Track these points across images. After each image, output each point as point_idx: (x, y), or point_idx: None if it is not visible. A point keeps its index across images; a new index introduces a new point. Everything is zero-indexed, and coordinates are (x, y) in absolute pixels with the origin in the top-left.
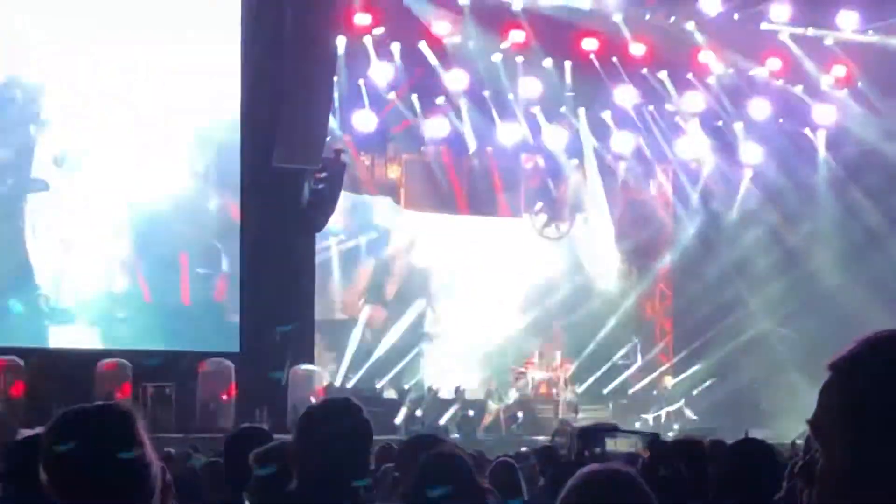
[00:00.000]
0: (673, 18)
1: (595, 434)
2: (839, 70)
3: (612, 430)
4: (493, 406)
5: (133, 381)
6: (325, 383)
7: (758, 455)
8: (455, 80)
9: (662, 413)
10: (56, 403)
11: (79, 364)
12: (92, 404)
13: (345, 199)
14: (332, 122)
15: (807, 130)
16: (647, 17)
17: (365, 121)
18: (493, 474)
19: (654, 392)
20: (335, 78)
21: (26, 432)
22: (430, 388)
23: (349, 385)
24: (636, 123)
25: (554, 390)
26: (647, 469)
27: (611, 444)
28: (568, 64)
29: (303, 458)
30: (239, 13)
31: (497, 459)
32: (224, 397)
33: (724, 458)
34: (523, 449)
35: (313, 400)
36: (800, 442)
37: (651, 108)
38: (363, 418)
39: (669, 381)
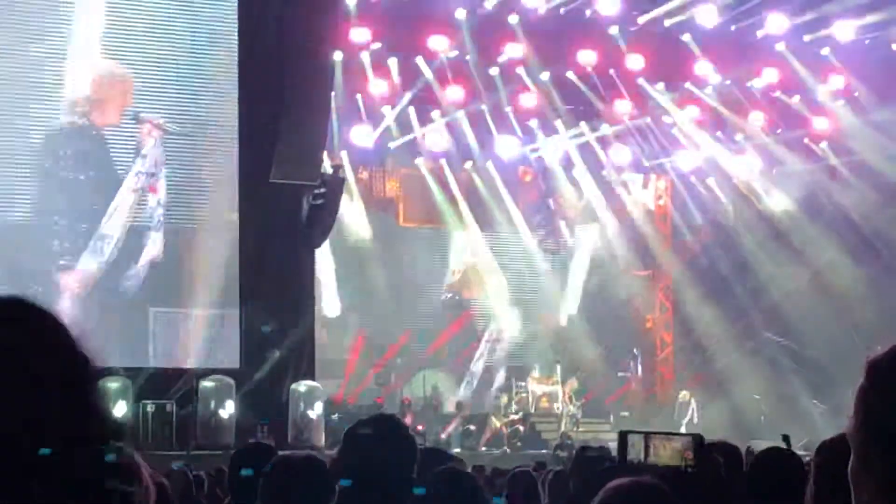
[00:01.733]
0: (670, 30)
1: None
2: (836, 80)
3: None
4: (494, 420)
5: (133, 398)
6: (325, 399)
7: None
8: (452, 94)
9: (683, 426)
10: None
11: None
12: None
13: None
14: (330, 138)
15: (805, 140)
16: (644, 29)
17: (363, 136)
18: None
19: (673, 407)
20: (333, 93)
21: None
22: (431, 403)
23: (350, 400)
24: (634, 135)
25: (555, 404)
26: (694, 473)
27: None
28: (565, 77)
29: (348, 473)
30: (236, 29)
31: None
32: (224, 414)
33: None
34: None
35: (312, 416)
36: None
37: (648, 120)
38: (407, 433)
39: (685, 395)
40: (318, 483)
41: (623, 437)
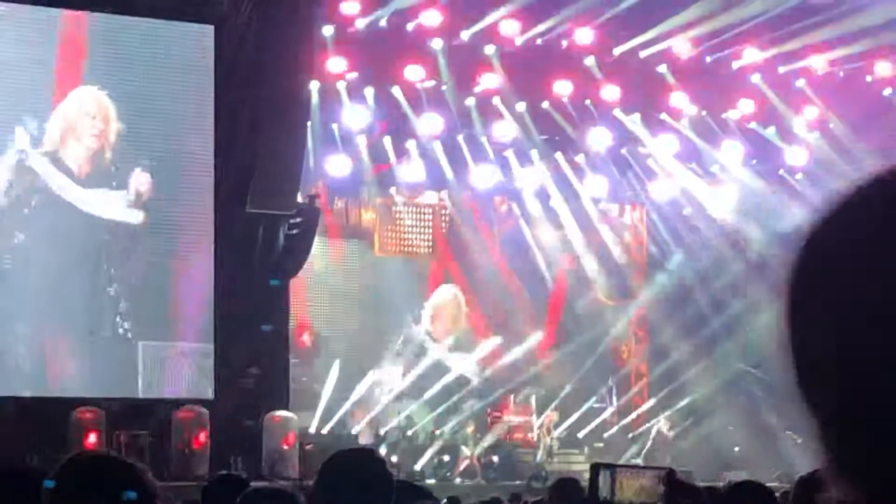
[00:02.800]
0: (645, 62)
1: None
2: (811, 111)
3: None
4: (468, 450)
5: (107, 429)
6: (299, 429)
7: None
8: (428, 123)
9: (668, 459)
10: (31, 451)
11: (53, 411)
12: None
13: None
14: (306, 168)
15: (781, 171)
16: (619, 60)
17: (339, 165)
18: None
19: (650, 441)
20: (309, 123)
21: None
22: (405, 433)
23: (324, 430)
24: (610, 166)
25: (530, 434)
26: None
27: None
28: (541, 107)
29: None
30: (212, 58)
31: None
32: (198, 445)
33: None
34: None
35: (286, 447)
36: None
37: (624, 150)
38: (385, 468)
39: (665, 427)
40: None
41: (595, 469)
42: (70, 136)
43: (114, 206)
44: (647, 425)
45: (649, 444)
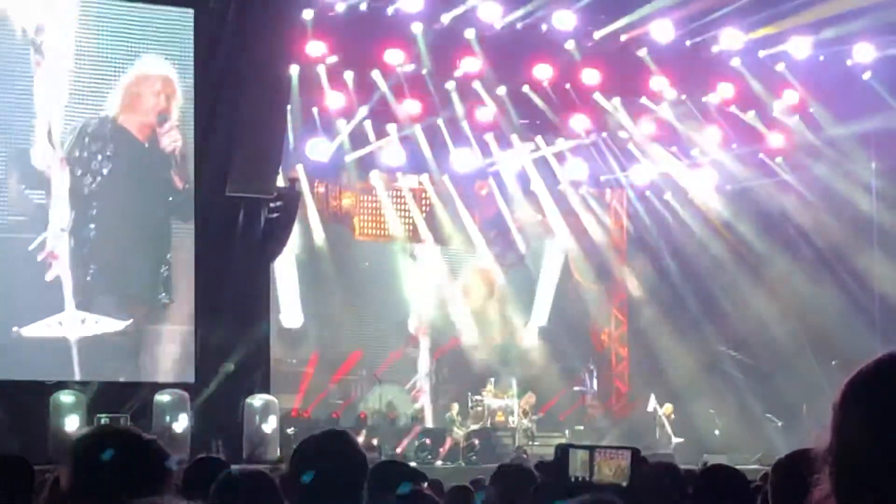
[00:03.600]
0: (626, 46)
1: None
2: (790, 95)
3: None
4: (450, 434)
5: (86, 412)
6: (280, 413)
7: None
8: (408, 107)
9: (674, 441)
10: (11, 435)
11: (33, 394)
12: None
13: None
14: (287, 151)
15: (761, 155)
16: (600, 44)
17: (319, 149)
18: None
19: (654, 421)
20: (289, 107)
21: None
22: (387, 416)
23: (306, 414)
24: (590, 150)
25: (511, 418)
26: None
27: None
28: (521, 91)
29: (297, 487)
30: (192, 42)
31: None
32: (179, 428)
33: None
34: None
35: (267, 430)
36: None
37: (604, 134)
38: (358, 449)
39: (669, 409)
40: (266, 500)
41: (563, 451)
42: None
43: None
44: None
45: (656, 426)
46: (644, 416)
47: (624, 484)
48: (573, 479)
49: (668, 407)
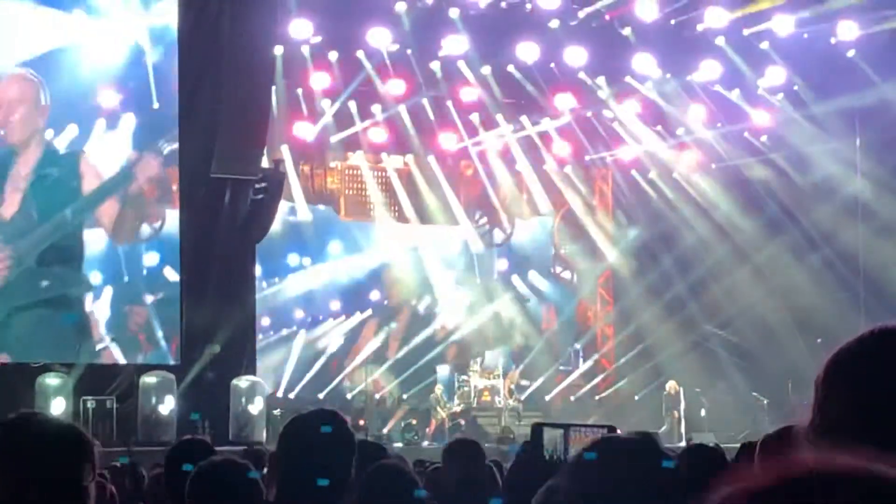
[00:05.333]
0: (610, 24)
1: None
2: (775, 73)
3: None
4: (437, 414)
5: (73, 395)
6: (266, 394)
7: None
8: (393, 87)
9: (676, 418)
10: None
11: (18, 377)
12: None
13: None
14: (271, 132)
15: (745, 134)
16: (584, 23)
17: (303, 130)
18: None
19: (662, 400)
20: (273, 87)
21: None
22: (372, 397)
23: (291, 395)
24: (575, 130)
25: (497, 398)
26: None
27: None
28: (506, 70)
29: (285, 466)
30: (168, 25)
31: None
32: (164, 410)
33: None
34: None
35: (253, 411)
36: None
37: (590, 113)
38: (346, 428)
39: (673, 387)
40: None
41: (538, 430)
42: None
43: None
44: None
45: (663, 407)
46: (629, 396)
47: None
48: (547, 458)
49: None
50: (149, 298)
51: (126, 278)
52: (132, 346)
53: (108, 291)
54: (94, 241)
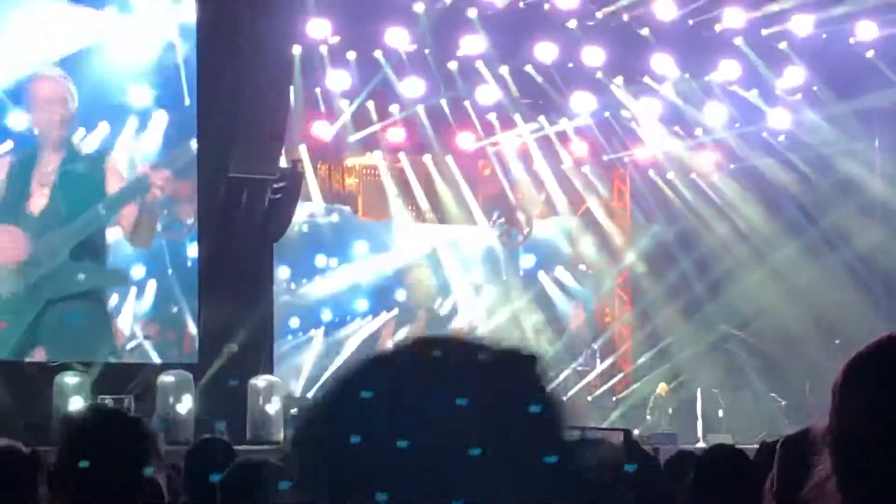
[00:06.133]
0: (628, 24)
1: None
2: (793, 74)
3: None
4: None
5: (90, 394)
6: (285, 394)
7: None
8: (411, 87)
9: (663, 421)
10: (16, 417)
11: (38, 376)
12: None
13: None
14: (289, 132)
15: (764, 134)
16: (602, 23)
17: (321, 129)
18: None
19: (650, 403)
20: (291, 87)
21: None
22: None
23: (309, 395)
24: (593, 130)
25: None
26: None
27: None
28: (524, 70)
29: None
30: (195, 21)
31: None
32: (183, 409)
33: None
34: None
35: (271, 411)
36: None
37: (607, 114)
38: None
39: (664, 388)
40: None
41: None
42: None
43: None
44: (638, 388)
45: (650, 405)
46: (647, 397)
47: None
48: None
49: (663, 386)
50: (182, 297)
51: (170, 271)
52: (163, 345)
53: (133, 291)
54: (115, 240)
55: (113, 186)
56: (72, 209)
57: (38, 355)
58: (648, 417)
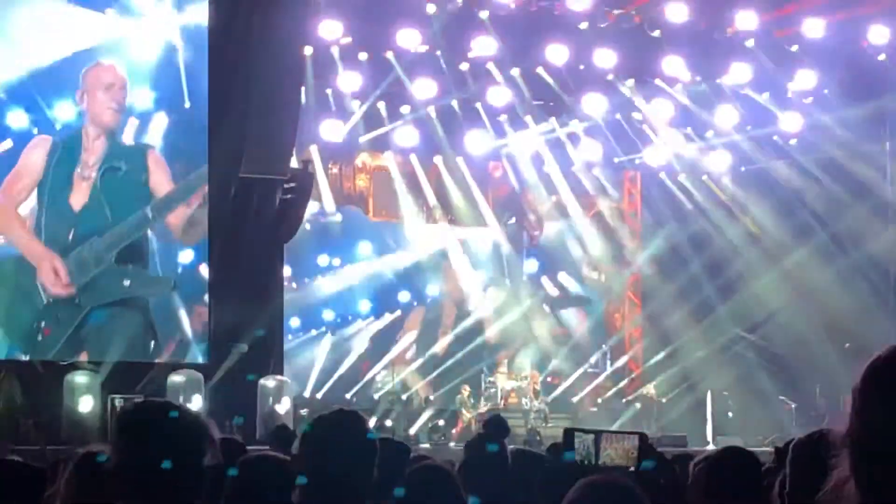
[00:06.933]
0: (640, 27)
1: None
2: (805, 77)
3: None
4: (464, 415)
5: (101, 393)
6: (294, 394)
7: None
8: (423, 88)
9: (653, 424)
10: (26, 415)
11: (47, 375)
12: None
13: None
14: (300, 132)
15: (775, 137)
16: (614, 25)
17: (332, 130)
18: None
19: (638, 404)
20: (302, 87)
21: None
22: (400, 398)
23: (319, 395)
24: (604, 132)
25: (524, 399)
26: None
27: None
28: (535, 72)
29: (307, 467)
30: (199, 23)
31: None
32: (193, 409)
33: (709, 465)
34: None
35: (281, 411)
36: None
37: (618, 116)
38: (366, 428)
39: (650, 389)
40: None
41: (569, 435)
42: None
43: None
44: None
45: (639, 408)
46: (657, 399)
47: (631, 468)
48: (579, 463)
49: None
50: (205, 298)
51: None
52: (194, 346)
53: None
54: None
55: (156, 183)
56: (116, 209)
57: (82, 357)
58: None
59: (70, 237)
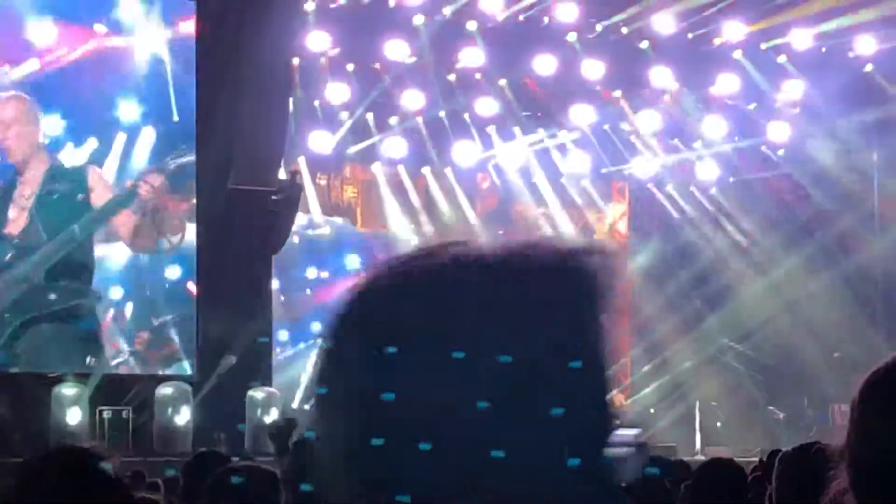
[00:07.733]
0: (628, 38)
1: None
2: (792, 87)
3: None
4: None
5: (88, 405)
6: (282, 406)
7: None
8: (411, 99)
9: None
10: (14, 428)
11: (34, 388)
12: None
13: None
14: (288, 144)
15: (763, 148)
16: (602, 36)
17: (321, 141)
18: None
19: (627, 414)
20: (290, 98)
21: None
22: None
23: (307, 406)
24: (592, 143)
25: None
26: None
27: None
28: (523, 83)
29: (296, 484)
30: (188, 36)
31: None
32: (181, 421)
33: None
34: None
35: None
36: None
37: (607, 127)
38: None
39: (639, 400)
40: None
41: None
42: None
43: None
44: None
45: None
46: (645, 409)
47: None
48: None
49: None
50: (170, 311)
51: (148, 292)
52: (151, 360)
53: (129, 305)
54: (114, 254)
55: (98, 200)
56: (51, 229)
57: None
58: None
59: (7, 260)
